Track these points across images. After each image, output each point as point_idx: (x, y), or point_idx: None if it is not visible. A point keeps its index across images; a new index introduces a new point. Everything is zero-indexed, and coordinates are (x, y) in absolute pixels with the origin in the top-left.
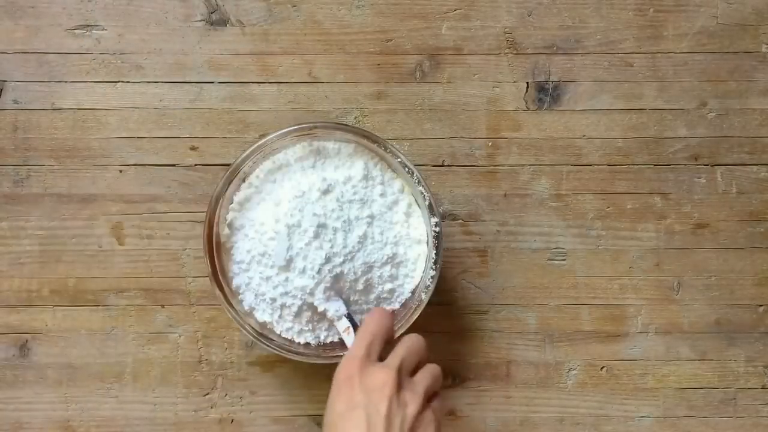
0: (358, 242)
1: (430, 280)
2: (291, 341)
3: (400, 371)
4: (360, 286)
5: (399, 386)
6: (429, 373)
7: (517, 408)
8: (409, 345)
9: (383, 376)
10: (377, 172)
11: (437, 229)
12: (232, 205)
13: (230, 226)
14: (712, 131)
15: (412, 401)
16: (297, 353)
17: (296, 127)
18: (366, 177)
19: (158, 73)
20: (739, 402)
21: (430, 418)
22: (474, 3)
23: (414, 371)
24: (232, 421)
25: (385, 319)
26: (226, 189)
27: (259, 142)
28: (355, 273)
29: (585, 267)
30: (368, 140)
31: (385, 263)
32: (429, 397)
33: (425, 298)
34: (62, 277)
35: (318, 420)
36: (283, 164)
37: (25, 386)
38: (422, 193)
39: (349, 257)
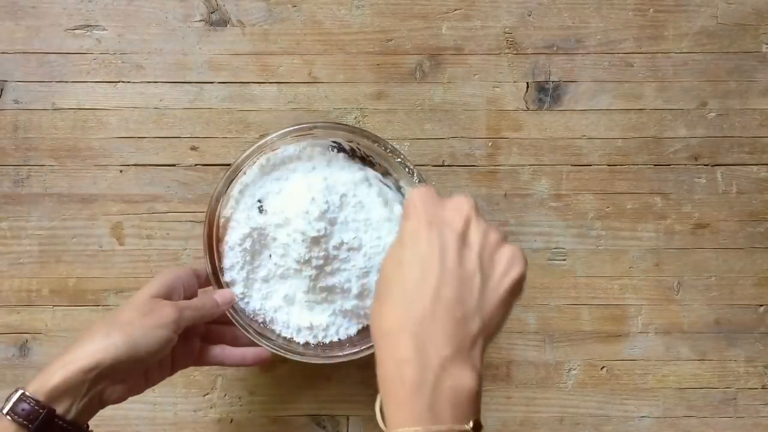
0: (350, 248)
1: None
2: (290, 341)
3: (477, 205)
4: (355, 291)
5: (478, 211)
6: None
7: (517, 408)
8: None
9: (460, 199)
10: (375, 181)
11: None
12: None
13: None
14: (712, 131)
15: (494, 230)
16: (296, 353)
17: (296, 127)
18: (366, 179)
19: (158, 73)
20: (739, 402)
21: (518, 254)
22: (474, 3)
23: None
24: (231, 421)
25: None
26: (227, 188)
27: (260, 142)
28: (348, 280)
29: (585, 267)
30: (368, 140)
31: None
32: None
33: None
34: (62, 277)
35: (316, 420)
36: (279, 162)
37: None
38: None
39: (345, 260)
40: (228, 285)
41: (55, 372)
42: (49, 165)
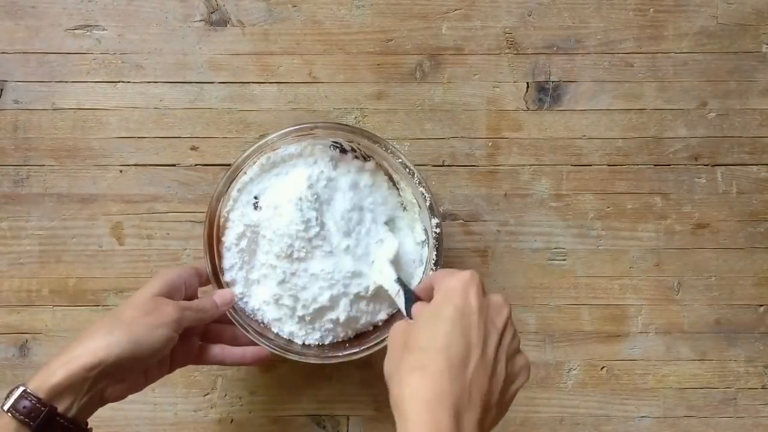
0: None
1: None
2: (290, 341)
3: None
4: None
5: (511, 317)
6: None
7: (517, 408)
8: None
9: (501, 300)
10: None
11: (438, 230)
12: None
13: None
14: (712, 131)
15: (517, 337)
16: (296, 353)
17: (297, 126)
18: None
19: (158, 73)
20: (740, 402)
21: (528, 365)
22: (474, 3)
23: None
24: (231, 421)
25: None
26: (227, 188)
27: (260, 142)
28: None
29: (585, 267)
30: (369, 141)
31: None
32: None
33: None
34: (62, 277)
35: (317, 420)
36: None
37: None
38: (423, 194)
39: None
40: (228, 285)
41: (56, 370)
42: (49, 165)
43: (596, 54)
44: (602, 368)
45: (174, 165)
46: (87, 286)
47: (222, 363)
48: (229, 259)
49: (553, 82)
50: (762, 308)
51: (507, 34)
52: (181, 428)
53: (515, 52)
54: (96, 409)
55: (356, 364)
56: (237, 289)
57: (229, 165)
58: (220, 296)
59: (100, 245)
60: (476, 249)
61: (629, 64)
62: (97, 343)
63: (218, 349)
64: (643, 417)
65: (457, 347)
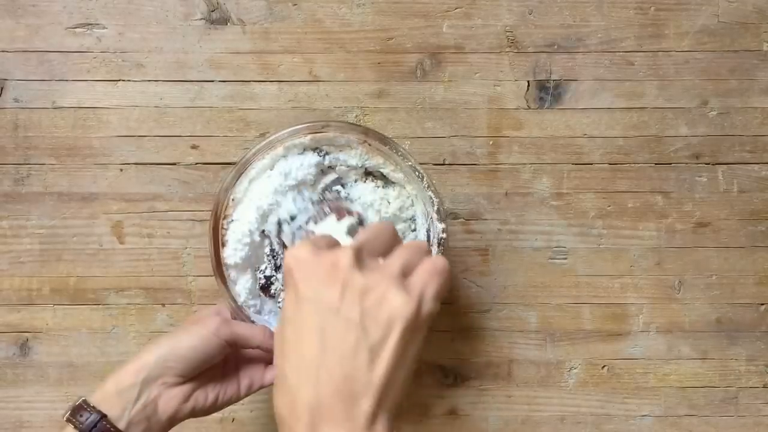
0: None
1: None
2: None
3: (358, 251)
4: None
5: (357, 264)
6: (406, 249)
7: (518, 407)
8: (373, 228)
9: (335, 255)
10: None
11: (444, 234)
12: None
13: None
14: (713, 130)
15: (377, 279)
16: None
17: (307, 124)
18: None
19: (159, 71)
20: (741, 401)
21: (396, 303)
22: (475, 1)
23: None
24: (233, 420)
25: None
26: (235, 183)
27: (270, 138)
28: None
29: (586, 266)
30: (379, 142)
31: None
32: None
33: None
34: (63, 276)
35: None
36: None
37: (25, 385)
38: (431, 197)
39: None
40: (230, 282)
41: (107, 380)
42: (49, 164)
43: (597, 52)
44: (603, 367)
45: (174, 164)
46: (87, 285)
47: None
48: (241, 283)
49: (554, 80)
50: (763, 307)
51: (508, 33)
52: (183, 427)
53: (516, 51)
54: (159, 428)
55: None
56: (250, 302)
57: (229, 163)
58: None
59: (101, 244)
60: (477, 248)
61: (630, 62)
62: (143, 352)
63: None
64: (644, 416)
65: (292, 353)
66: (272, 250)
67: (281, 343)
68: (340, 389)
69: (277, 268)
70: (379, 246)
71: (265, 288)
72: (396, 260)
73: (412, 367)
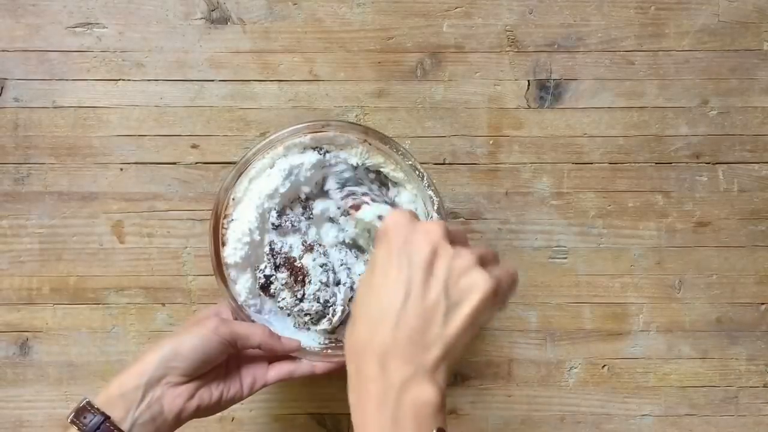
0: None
1: None
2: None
3: (447, 228)
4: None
5: (447, 237)
6: (481, 247)
7: (518, 406)
8: (458, 227)
9: (429, 225)
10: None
11: None
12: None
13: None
14: (713, 129)
15: (463, 254)
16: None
17: (308, 123)
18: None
19: (159, 71)
20: (741, 400)
21: (479, 280)
22: (475, 1)
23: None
24: (232, 420)
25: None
26: (235, 182)
27: (271, 137)
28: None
29: (586, 265)
30: (380, 141)
31: None
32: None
33: None
34: (63, 276)
35: (318, 418)
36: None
37: (25, 384)
38: (431, 197)
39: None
40: (231, 280)
41: (112, 382)
42: (49, 163)
43: (597, 52)
44: (603, 367)
45: (174, 163)
46: (87, 285)
47: (291, 377)
48: (241, 284)
49: (554, 80)
50: (763, 306)
51: (508, 32)
52: (183, 426)
53: (516, 50)
54: (166, 428)
55: None
56: (251, 301)
57: (229, 163)
58: (286, 340)
59: (101, 243)
60: None
61: (630, 62)
62: (145, 353)
63: (287, 366)
64: (644, 415)
65: (377, 296)
66: (272, 249)
67: (367, 288)
68: (414, 335)
69: (277, 267)
70: (458, 236)
71: (265, 287)
72: (476, 250)
73: (476, 335)
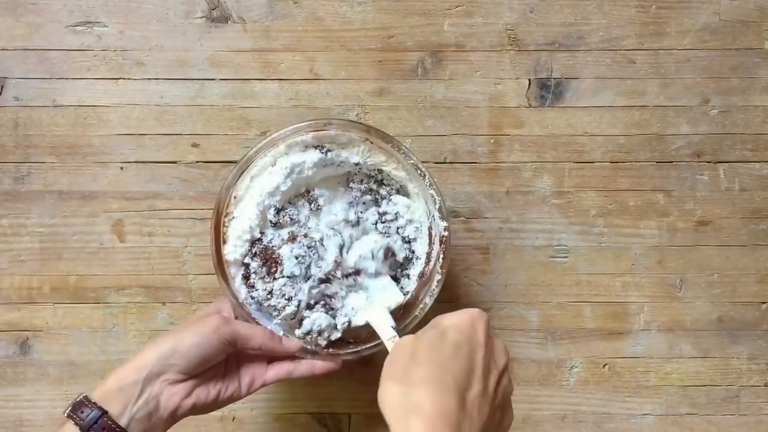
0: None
1: (436, 284)
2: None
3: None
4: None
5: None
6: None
7: (519, 405)
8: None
9: (503, 346)
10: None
11: (446, 233)
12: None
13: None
14: (714, 128)
15: (502, 356)
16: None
17: (310, 122)
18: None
19: (159, 70)
20: (742, 400)
21: (512, 411)
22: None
23: None
24: (233, 419)
25: None
26: (237, 180)
27: (273, 135)
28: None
29: (587, 264)
30: (381, 140)
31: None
32: None
33: (429, 301)
34: (63, 275)
35: (318, 418)
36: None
37: (26, 384)
38: (433, 196)
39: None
40: (232, 278)
41: (109, 377)
42: (49, 162)
43: (598, 51)
44: (604, 366)
45: (175, 162)
46: (88, 284)
47: (289, 377)
48: (237, 280)
49: (555, 78)
50: (764, 305)
51: (509, 31)
52: (183, 425)
53: (517, 49)
54: (161, 425)
55: (358, 362)
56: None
57: (230, 162)
58: (286, 341)
59: (101, 242)
60: (478, 246)
61: (631, 60)
62: (145, 349)
63: (286, 366)
64: (645, 414)
65: (461, 371)
66: (255, 239)
67: (446, 353)
68: (482, 426)
69: (254, 256)
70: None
71: (246, 277)
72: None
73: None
